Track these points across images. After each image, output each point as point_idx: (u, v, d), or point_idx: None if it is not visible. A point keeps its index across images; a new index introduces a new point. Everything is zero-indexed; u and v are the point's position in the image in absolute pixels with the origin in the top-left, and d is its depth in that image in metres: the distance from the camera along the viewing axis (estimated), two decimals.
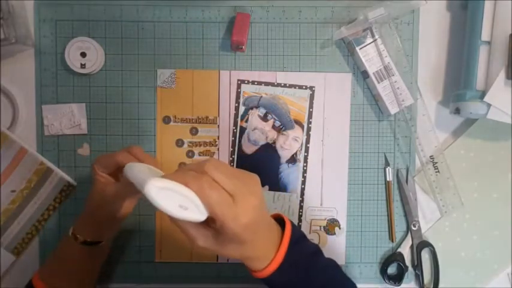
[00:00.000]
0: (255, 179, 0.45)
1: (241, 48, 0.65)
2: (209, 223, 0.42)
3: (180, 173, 0.40)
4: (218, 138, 0.67)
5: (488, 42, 0.60)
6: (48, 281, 0.57)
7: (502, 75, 0.58)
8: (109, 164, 0.54)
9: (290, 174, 0.67)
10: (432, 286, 0.67)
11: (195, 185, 0.38)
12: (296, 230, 0.50)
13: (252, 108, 0.66)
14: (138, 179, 0.43)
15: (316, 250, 0.52)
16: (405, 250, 0.67)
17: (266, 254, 0.46)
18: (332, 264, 0.54)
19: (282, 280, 0.47)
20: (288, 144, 0.66)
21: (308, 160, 0.67)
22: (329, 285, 0.51)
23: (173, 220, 0.41)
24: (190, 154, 0.67)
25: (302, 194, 0.67)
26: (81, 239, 0.56)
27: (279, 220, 0.50)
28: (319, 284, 0.50)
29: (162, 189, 0.37)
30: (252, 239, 0.43)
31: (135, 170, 0.47)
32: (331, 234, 0.67)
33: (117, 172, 0.55)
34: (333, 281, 0.52)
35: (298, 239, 0.50)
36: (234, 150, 0.67)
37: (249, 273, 0.48)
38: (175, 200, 0.38)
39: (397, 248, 0.68)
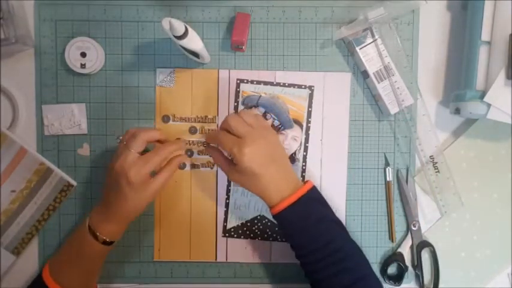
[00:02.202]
0: (270, 130, 0.59)
1: (241, 48, 0.65)
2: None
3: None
4: None
5: (488, 42, 0.60)
6: (58, 276, 0.57)
7: (502, 75, 0.58)
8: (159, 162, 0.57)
9: None
10: (432, 286, 0.67)
11: (215, 137, 0.60)
12: (318, 193, 0.59)
13: (251, 108, 0.66)
14: None
15: (335, 220, 0.58)
16: (405, 250, 0.67)
17: (280, 192, 0.56)
18: (348, 240, 0.58)
19: (289, 221, 0.56)
20: (287, 144, 0.66)
21: (307, 160, 0.67)
22: (333, 250, 0.55)
23: (216, 161, 0.62)
24: (189, 153, 0.67)
25: None
26: (103, 239, 0.56)
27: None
28: (321, 247, 0.55)
29: None
30: (262, 173, 0.54)
31: None
32: None
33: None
34: (336, 250, 0.55)
35: (319, 200, 0.58)
36: None
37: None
38: None
39: (397, 248, 0.68)
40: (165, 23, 0.52)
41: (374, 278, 0.57)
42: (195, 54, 0.60)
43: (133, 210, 0.56)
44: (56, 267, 0.58)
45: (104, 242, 0.57)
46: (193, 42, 0.56)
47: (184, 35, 0.53)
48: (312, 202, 0.57)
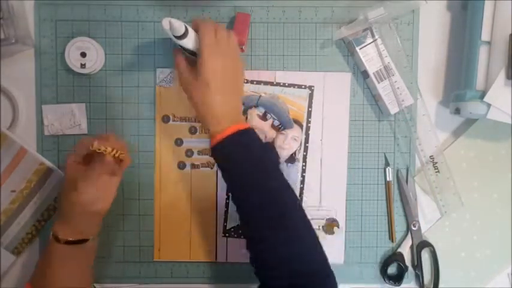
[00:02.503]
0: (242, 63, 0.59)
1: (241, 48, 0.65)
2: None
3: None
4: None
5: (488, 42, 0.60)
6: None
7: (502, 75, 0.58)
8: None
9: (289, 173, 0.67)
10: (432, 286, 0.67)
11: (202, 23, 0.56)
12: (257, 138, 0.55)
13: (251, 108, 0.66)
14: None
15: (272, 164, 0.56)
16: (405, 250, 0.67)
17: (223, 123, 0.54)
18: (286, 186, 0.54)
19: (224, 155, 0.54)
20: (287, 144, 0.66)
21: (307, 160, 0.67)
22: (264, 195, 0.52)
23: (174, 53, 0.58)
24: (189, 153, 0.67)
25: (301, 194, 0.67)
26: (64, 239, 0.55)
27: None
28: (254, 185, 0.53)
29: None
30: (215, 86, 0.53)
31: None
32: (330, 234, 0.67)
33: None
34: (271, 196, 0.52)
35: (265, 147, 0.57)
36: None
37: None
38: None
39: (397, 248, 0.68)
40: (165, 23, 0.52)
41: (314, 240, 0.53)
42: (195, 54, 0.60)
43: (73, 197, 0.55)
44: (36, 281, 0.57)
45: (67, 242, 0.55)
46: (193, 42, 0.56)
47: (184, 35, 0.54)
48: (249, 143, 0.55)
